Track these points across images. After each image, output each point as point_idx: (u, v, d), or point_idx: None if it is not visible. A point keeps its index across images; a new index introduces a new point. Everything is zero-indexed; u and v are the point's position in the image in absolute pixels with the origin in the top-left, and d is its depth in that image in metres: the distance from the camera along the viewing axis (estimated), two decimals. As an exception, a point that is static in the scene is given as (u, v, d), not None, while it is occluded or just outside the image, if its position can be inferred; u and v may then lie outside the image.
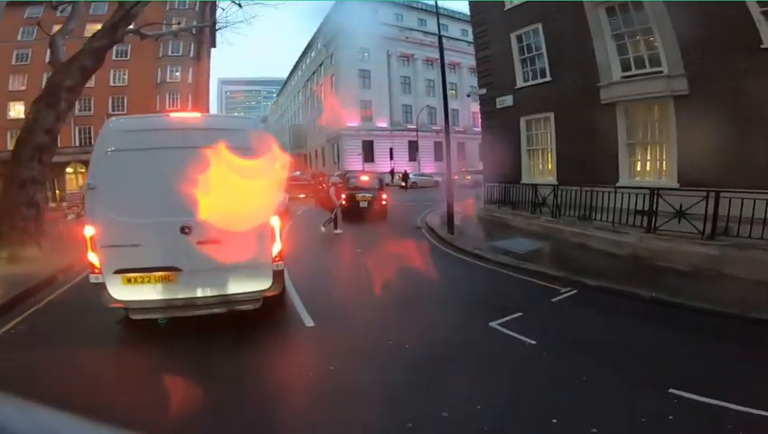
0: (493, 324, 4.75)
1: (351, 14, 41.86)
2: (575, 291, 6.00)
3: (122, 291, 4.01)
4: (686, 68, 8.60)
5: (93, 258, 3.96)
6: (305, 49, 54.58)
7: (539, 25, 11.60)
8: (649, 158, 9.98)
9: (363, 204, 13.30)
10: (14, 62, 33.53)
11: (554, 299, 5.76)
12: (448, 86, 46.19)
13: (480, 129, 42.53)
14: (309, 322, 4.81)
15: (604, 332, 4.69)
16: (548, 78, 11.54)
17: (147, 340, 4.24)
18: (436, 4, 11.82)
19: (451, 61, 46.06)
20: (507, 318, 4.87)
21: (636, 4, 9.43)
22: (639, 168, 10.11)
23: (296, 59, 60.03)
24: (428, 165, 40.15)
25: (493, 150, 14.09)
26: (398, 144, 42.47)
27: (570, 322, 5.08)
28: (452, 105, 46.36)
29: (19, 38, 32.69)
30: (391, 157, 41.50)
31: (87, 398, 3.07)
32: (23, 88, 31.95)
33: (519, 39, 12.33)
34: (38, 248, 8.02)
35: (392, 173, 33.76)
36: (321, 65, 47.43)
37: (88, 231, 3.94)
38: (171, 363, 3.75)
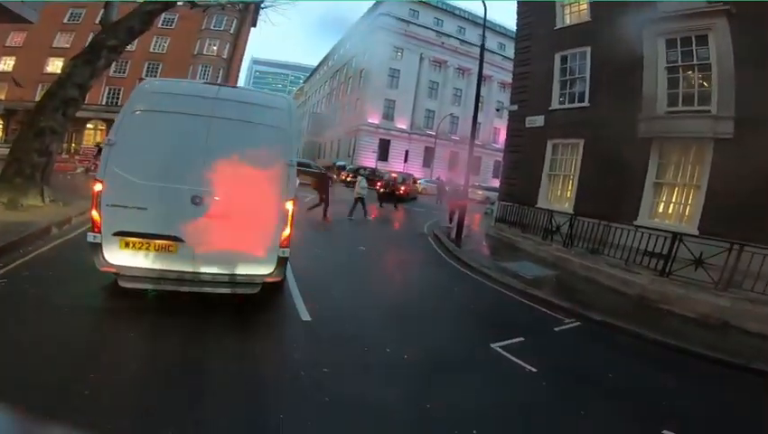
0: (495, 345, 4.59)
1: (391, 10, 41.78)
2: (578, 323, 5.90)
3: (117, 255, 3.79)
4: (736, 110, 8.26)
5: (95, 215, 3.76)
6: (340, 40, 54.57)
7: (588, 48, 11.27)
8: (674, 200, 9.64)
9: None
10: (65, 20, 33.83)
11: (557, 328, 5.66)
12: (474, 98, 46.33)
13: (498, 146, 42.21)
14: (306, 316, 4.55)
15: (604, 367, 4.61)
16: (586, 103, 11.21)
17: (130, 313, 3.93)
18: (485, 15, 11.42)
19: (483, 74, 45.75)
20: (509, 342, 4.73)
21: (701, 38, 9.10)
22: (661, 209, 9.78)
23: (329, 49, 60.13)
24: (441, 174, 39.83)
25: (513, 169, 13.81)
26: (414, 147, 42.21)
27: (572, 353, 4.98)
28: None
29: None
30: (406, 160, 41.29)
31: (49, 371, 2.85)
32: (68, 46, 32.14)
33: (564, 60, 12.01)
34: (40, 197, 7.86)
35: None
36: (353, 58, 47.32)
37: (97, 186, 3.76)
38: (147, 343, 3.49)
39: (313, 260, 7.01)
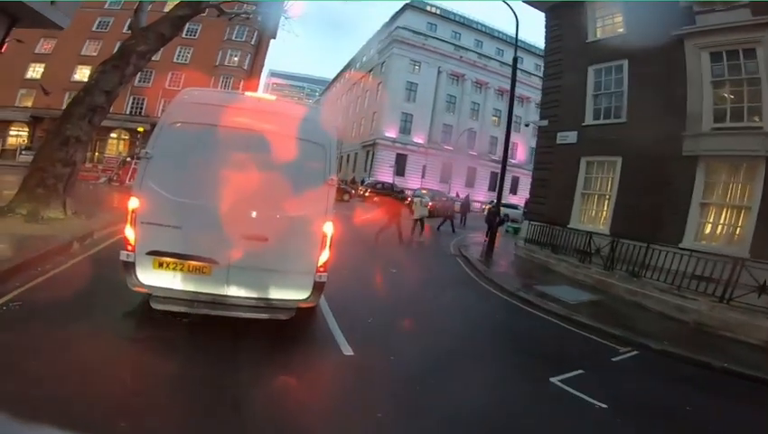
0: (555, 380, 4.21)
1: (409, 24, 42.07)
2: (635, 352, 5.54)
3: (150, 276, 3.60)
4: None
5: (130, 233, 3.57)
6: (357, 53, 55.15)
7: (625, 62, 10.84)
8: (722, 222, 9.07)
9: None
10: (94, 28, 34.62)
11: (614, 359, 5.30)
12: (492, 112, 46.25)
13: (514, 161, 41.60)
14: (347, 349, 4.13)
15: (678, 400, 4.29)
16: (623, 119, 10.74)
17: (157, 344, 3.56)
18: (516, 34, 11.13)
19: (500, 88, 45.62)
20: (568, 375, 4.35)
21: (748, 51, 8.65)
22: (708, 231, 9.21)
23: (346, 62, 60.81)
24: (458, 190, 39.48)
25: (543, 187, 13.33)
26: (431, 162, 41.98)
27: (638, 385, 4.63)
28: (492, 132, 46.04)
29: (106, 6, 33.87)
30: (423, 175, 41.09)
31: (59, 404, 2.49)
32: (95, 54, 32.76)
33: (598, 73, 11.60)
34: (62, 209, 7.60)
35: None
36: (371, 71, 47.66)
37: (132, 202, 3.58)
38: (177, 381, 3.12)
39: (344, 284, 6.61)
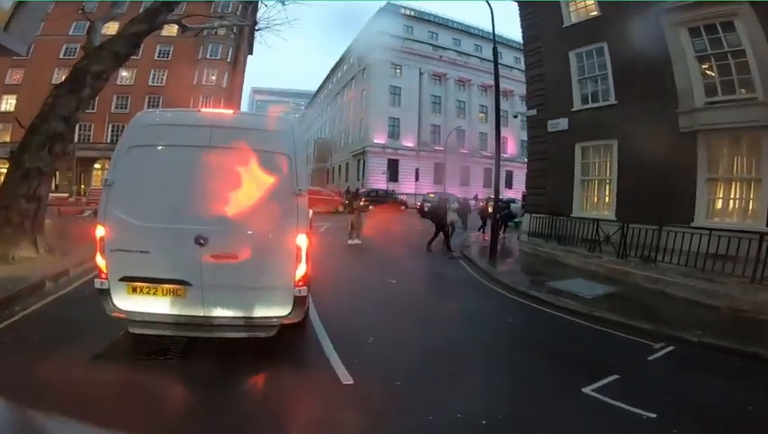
0: (588, 390, 3.72)
1: (386, 28, 41.97)
2: (671, 347, 4.98)
3: (126, 301, 3.61)
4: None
5: (101, 261, 3.58)
6: (337, 63, 54.98)
7: (604, 44, 10.58)
8: (732, 196, 8.71)
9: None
10: (61, 56, 33.65)
11: (650, 358, 4.75)
12: (478, 109, 46.14)
13: (505, 155, 41.43)
14: (346, 377, 3.66)
15: (735, 399, 3.77)
16: (613, 100, 10.43)
17: (133, 386, 3.25)
18: (492, 27, 10.76)
19: (483, 84, 45.57)
20: (602, 382, 3.85)
21: (726, 25, 8.38)
22: (719, 207, 8.85)
23: (327, 73, 60.66)
24: (454, 189, 39.11)
25: (539, 177, 12.97)
26: (423, 165, 41.64)
27: (685, 387, 4.11)
28: (481, 128, 45.90)
29: (71, 32, 32.70)
30: (417, 178, 40.69)
31: None
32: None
33: (580, 58, 11.32)
34: (33, 248, 7.14)
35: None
36: (352, 79, 47.45)
37: (99, 231, 3.57)
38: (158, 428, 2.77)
39: (337, 297, 6.18)
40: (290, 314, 3.78)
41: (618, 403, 3.48)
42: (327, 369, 3.83)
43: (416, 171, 36.92)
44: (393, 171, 40.39)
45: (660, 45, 9.14)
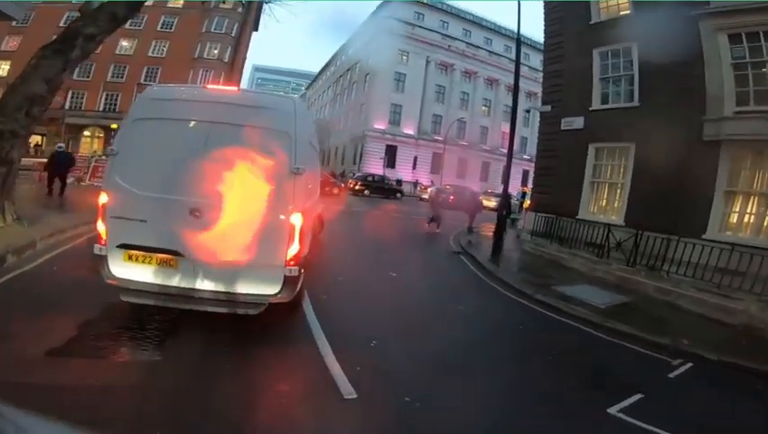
0: (613, 410, 3.48)
1: (396, 13, 40.88)
2: (690, 364, 4.82)
3: (120, 268, 3.70)
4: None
5: (101, 227, 3.72)
6: (343, 45, 53.74)
7: (634, 44, 10.11)
8: (749, 211, 8.43)
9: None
10: (62, 23, 31.90)
11: (671, 375, 4.56)
12: (482, 102, 45.49)
13: (506, 151, 41.21)
14: (348, 390, 3.17)
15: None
16: (636, 102, 10.02)
17: (97, 400, 2.68)
18: (518, 17, 10.14)
19: (489, 77, 44.89)
20: (627, 402, 3.63)
21: None
22: (734, 221, 8.57)
23: (332, 55, 59.30)
24: (449, 181, 38.72)
25: (547, 176, 12.61)
26: (422, 153, 41.14)
27: (712, 408, 3.97)
28: (482, 122, 45.35)
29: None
30: (414, 166, 40.22)
31: None
32: None
33: (605, 56, 10.85)
34: (0, 216, 6.47)
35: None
36: (357, 63, 46.40)
37: (102, 198, 3.71)
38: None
39: (337, 294, 5.71)
40: (279, 293, 3.76)
41: (648, 426, 3.28)
42: (327, 380, 3.32)
43: (414, 159, 36.48)
44: (391, 157, 39.86)
45: (692, 49, 8.74)
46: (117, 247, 3.65)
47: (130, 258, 3.67)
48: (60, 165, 11.15)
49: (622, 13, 10.90)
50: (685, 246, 7.61)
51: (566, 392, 3.91)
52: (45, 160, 11.97)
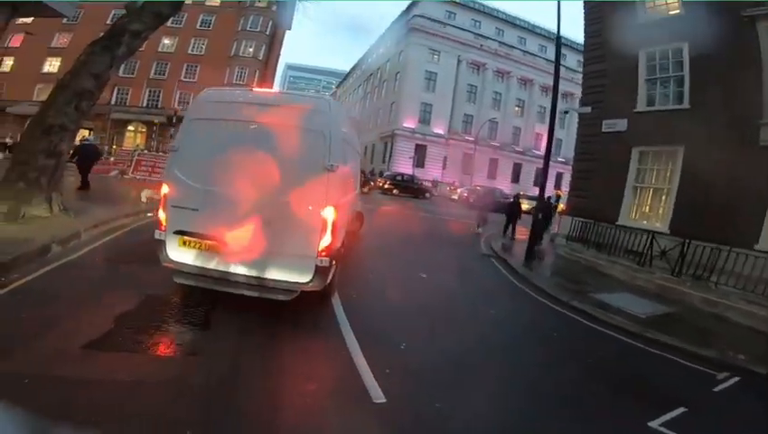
0: (656, 424, 3.35)
1: (427, 12, 40.62)
2: (737, 378, 4.58)
3: (176, 252, 4.13)
4: None
5: (162, 214, 4.18)
6: (374, 44, 53.87)
7: (685, 45, 9.63)
8: (807, 222, 7.86)
9: None
10: (108, 21, 33.81)
11: (716, 389, 4.35)
12: (515, 102, 44.53)
13: (539, 152, 40.03)
14: (377, 394, 3.13)
15: None
16: (685, 105, 9.54)
17: (130, 393, 2.76)
18: (558, 15, 9.81)
19: (523, 77, 43.89)
20: (669, 416, 3.48)
21: None
22: (790, 232, 8.01)
23: (362, 53, 59.60)
24: (480, 182, 38.12)
25: (585, 179, 12.21)
26: (452, 153, 40.69)
27: (760, 424, 3.83)
28: (515, 123, 44.39)
29: None
30: (444, 167, 39.88)
31: None
32: None
33: (652, 56, 10.38)
34: (47, 206, 6.75)
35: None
36: (387, 61, 46.42)
37: (164, 189, 4.19)
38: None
39: (366, 296, 5.68)
40: (311, 282, 4.06)
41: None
42: (356, 382, 3.30)
43: (444, 159, 36.14)
44: (420, 156, 39.65)
45: (748, 50, 8.24)
46: (174, 233, 4.09)
47: (184, 243, 4.09)
48: (85, 158, 10.91)
49: (671, 12, 10.41)
50: (737, 256, 7.23)
51: (606, 403, 3.80)
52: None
